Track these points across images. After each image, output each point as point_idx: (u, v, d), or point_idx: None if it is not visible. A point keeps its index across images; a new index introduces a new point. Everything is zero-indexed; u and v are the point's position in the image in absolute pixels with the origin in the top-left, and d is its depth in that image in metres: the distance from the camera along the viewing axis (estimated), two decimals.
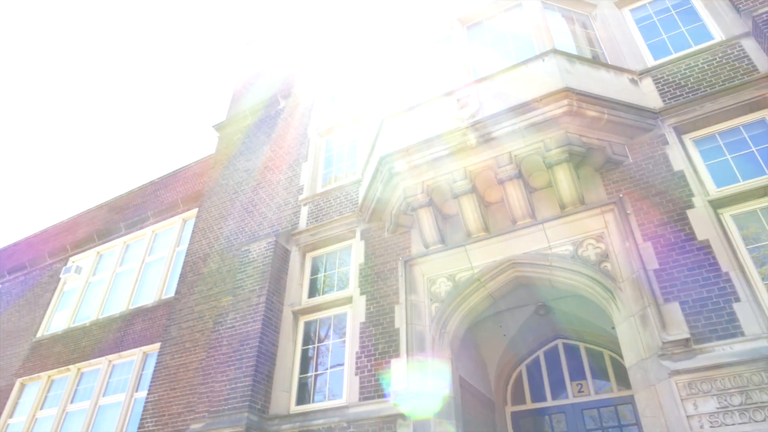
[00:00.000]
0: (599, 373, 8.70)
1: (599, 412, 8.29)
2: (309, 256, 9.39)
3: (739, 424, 4.97)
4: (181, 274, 11.15)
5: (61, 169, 54.46)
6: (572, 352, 9.07)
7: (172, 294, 11.37)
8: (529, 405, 8.95)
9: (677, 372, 5.38)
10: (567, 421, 8.37)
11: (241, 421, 7.26)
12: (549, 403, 8.80)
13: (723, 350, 5.36)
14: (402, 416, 6.58)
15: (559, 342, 9.21)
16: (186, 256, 11.43)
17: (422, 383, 6.86)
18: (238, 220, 11.10)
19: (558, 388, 8.89)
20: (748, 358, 5.15)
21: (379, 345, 7.43)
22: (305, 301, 8.80)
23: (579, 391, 8.62)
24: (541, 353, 9.28)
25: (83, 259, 14.93)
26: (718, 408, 5.11)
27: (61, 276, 14.30)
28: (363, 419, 6.83)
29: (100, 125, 54.77)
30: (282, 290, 8.88)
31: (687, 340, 5.51)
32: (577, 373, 8.83)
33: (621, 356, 8.55)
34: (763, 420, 4.91)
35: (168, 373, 9.64)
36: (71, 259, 15.05)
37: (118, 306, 12.72)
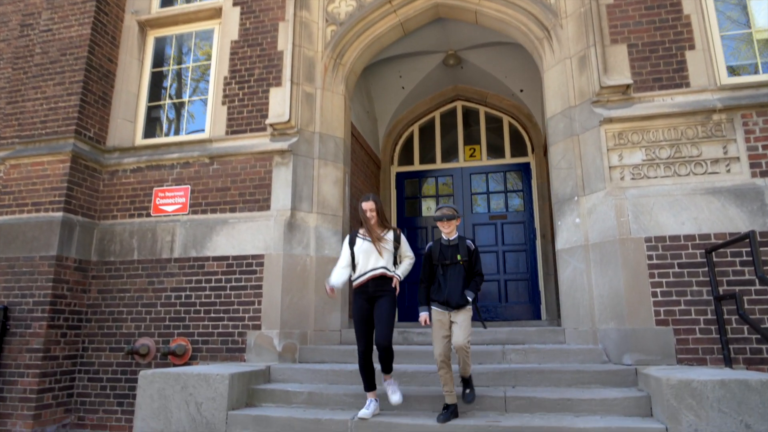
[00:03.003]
0: (494, 140, 8.14)
1: (488, 176, 7.91)
2: None
3: (662, 177, 4.53)
4: None
5: None
6: (471, 116, 8.30)
7: None
8: (417, 166, 8.32)
9: (610, 120, 4.68)
10: (454, 183, 7.93)
11: (65, 147, 5.56)
12: (438, 165, 8.22)
13: (663, 101, 4.69)
14: (280, 153, 5.38)
15: (459, 104, 8.31)
16: None
17: (308, 117, 5.60)
18: None
19: (450, 153, 8.26)
20: (689, 110, 4.54)
21: (256, 70, 5.81)
22: (157, 11, 6.58)
23: (471, 156, 8.08)
24: (437, 114, 8.39)
25: None
26: (644, 160, 4.59)
27: None
28: (231, 155, 5.53)
29: None
30: None
31: (628, 86, 4.74)
32: (472, 139, 8.20)
33: (521, 123, 7.97)
34: (687, 174, 4.48)
35: None
36: None
37: None
